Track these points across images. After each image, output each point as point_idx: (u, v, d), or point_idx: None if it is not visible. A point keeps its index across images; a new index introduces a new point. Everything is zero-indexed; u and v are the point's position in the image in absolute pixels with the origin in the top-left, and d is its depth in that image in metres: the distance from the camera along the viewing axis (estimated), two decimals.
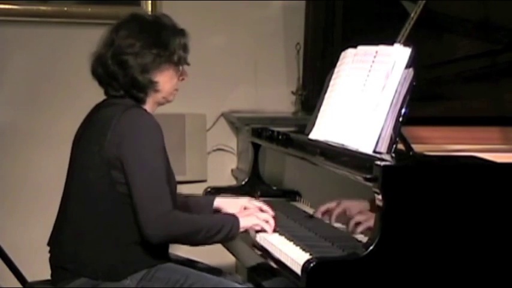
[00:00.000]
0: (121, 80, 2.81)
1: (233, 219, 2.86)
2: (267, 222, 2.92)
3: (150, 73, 2.81)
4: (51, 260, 2.89)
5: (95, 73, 2.87)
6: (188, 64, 2.91)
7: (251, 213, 2.96)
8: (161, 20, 2.90)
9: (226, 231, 2.81)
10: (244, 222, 2.88)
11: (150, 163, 2.73)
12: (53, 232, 2.91)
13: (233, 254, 3.39)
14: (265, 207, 3.01)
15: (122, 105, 2.80)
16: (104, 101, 2.90)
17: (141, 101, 2.84)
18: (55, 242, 2.88)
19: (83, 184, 2.80)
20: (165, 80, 2.85)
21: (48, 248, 2.90)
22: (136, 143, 2.74)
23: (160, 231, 2.71)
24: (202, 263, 3.05)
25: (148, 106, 2.87)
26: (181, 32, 2.90)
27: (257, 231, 2.92)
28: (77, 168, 2.85)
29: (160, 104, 2.91)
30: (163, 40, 2.83)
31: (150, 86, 2.83)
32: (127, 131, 2.74)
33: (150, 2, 4.48)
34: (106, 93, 2.89)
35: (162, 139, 2.78)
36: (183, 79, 2.92)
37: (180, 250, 3.06)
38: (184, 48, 2.89)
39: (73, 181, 2.86)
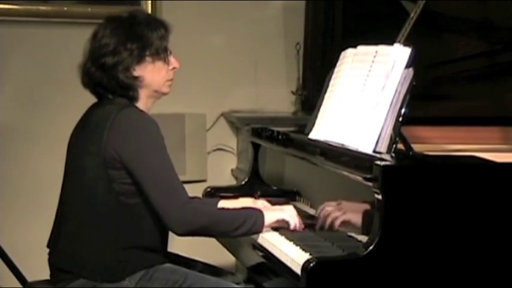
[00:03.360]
0: (106, 84, 2.80)
1: (257, 212, 2.85)
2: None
3: (131, 69, 2.80)
4: (50, 261, 2.89)
5: (83, 84, 2.87)
6: (170, 53, 2.87)
7: (277, 208, 2.96)
8: (135, 16, 2.86)
9: (250, 224, 2.80)
10: (270, 217, 2.87)
11: (156, 160, 2.73)
12: (51, 234, 2.91)
13: (233, 254, 3.39)
14: (268, 205, 3.04)
15: (116, 105, 2.79)
16: (98, 101, 2.89)
17: (133, 99, 2.83)
18: (54, 243, 2.88)
19: (79, 185, 2.80)
20: (150, 73, 2.83)
21: (48, 249, 2.90)
22: (138, 143, 2.74)
23: (184, 222, 2.71)
24: (202, 263, 3.05)
25: (142, 102, 2.85)
26: (157, 24, 2.86)
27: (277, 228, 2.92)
28: (73, 169, 2.85)
29: (155, 97, 2.89)
30: (137, 34, 2.80)
31: (135, 83, 2.81)
32: (125, 132, 2.74)
33: (150, 2, 4.48)
34: (99, 99, 2.89)
35: (160, 134, 2.77)
36: (174, 68, 2.89)
37: (180, 249, 3.06)
38: (162, 38, 2.84)
39: (70, 182, 2.86)
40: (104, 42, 2.80)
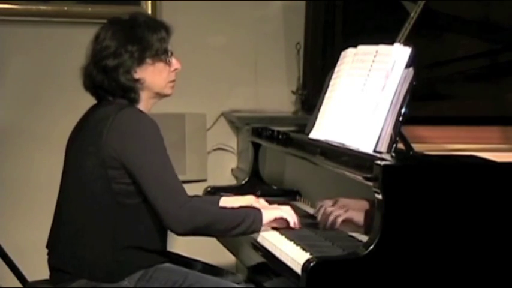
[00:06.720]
0: (107, 86, 2.81)
1: (256, 211, 2.87)
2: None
3: (131, 72, 2.80)
4: (49, 262, 2.89)
5: (84, 86, 2.87)
6: (171, 54, 2.87)
7: (274, 207, 2.97)
8: (136, 18, 2.86)
9: (249, 223, 2.81)
10: (268, 215, 2.88)
11: (156, 160, 2.73)
12: (50, 234, 2.91)
13: (233, 254, 3.39)
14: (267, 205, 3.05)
15: (116, 105, 2.80)
16: (98, 102, 2.89)
17: (134, 101, 2.83)
18: (53, 244, 2.88)
19: (77, 185, 2.80)
20: (151, 75, 2.83)
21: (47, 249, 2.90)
22: (138, 143, 2.74)
23: (183, 222, 2.71)
24: (202, 263, 3.05)
25: (143, 104, 2.85)
26: (158, 26, 2.86)
27: (275, 228, 2.92)
28: (72, 170, 2.85)
29: (157, 98, 2.89)
30: (137, 36, 2.81)
31: (136, 85, 2.81)
32: (124, 132, 2.74)
33: (150, 2, 4.48)
34: (98, 101, 2.89)
35: (160, 134, 2.77)
36: (175, 69, 2.89)
37: (180, 249, 3.06)
38: (162, 40, 2.84)
39: (68, 182, 2.86)
40: (104, 44, 2.80)
